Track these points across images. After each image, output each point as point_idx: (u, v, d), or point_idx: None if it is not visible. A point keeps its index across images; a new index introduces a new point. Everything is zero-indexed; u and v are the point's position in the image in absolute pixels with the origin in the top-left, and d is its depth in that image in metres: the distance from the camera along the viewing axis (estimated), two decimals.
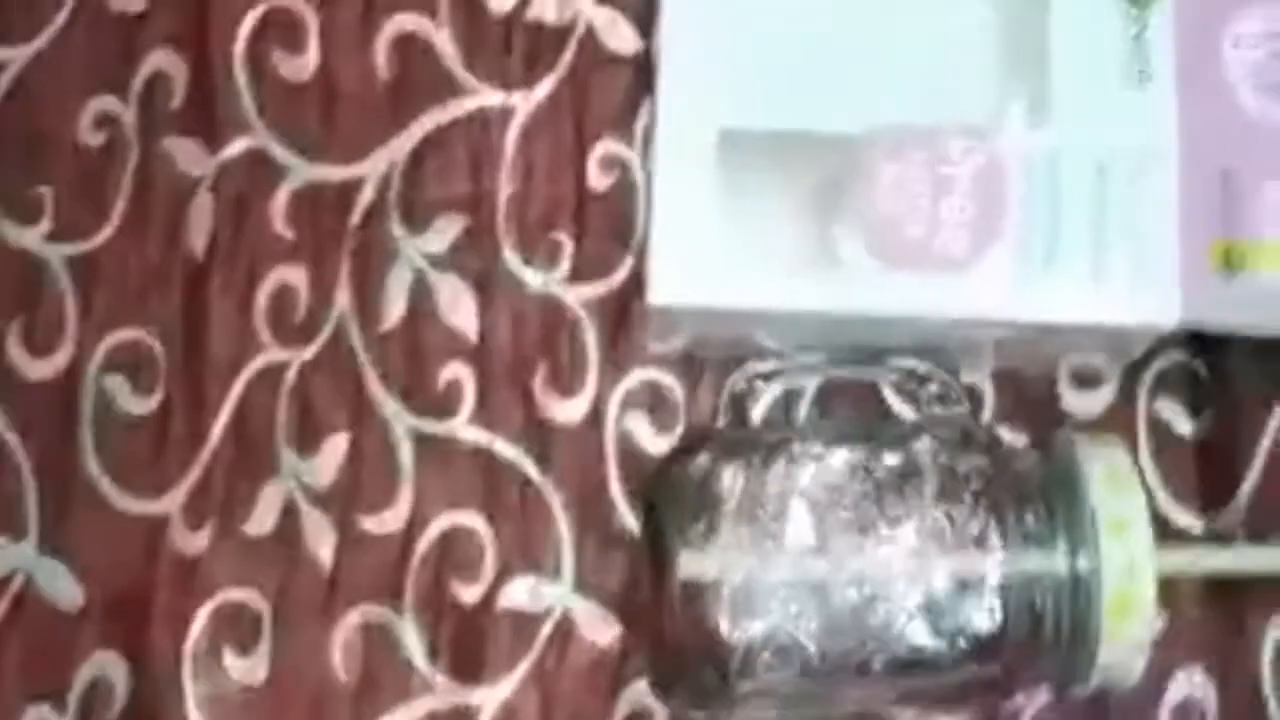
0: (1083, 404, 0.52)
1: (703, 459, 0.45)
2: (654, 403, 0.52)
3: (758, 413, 0.50)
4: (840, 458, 0.44)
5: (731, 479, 0.45)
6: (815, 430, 0.46)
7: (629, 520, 0.51)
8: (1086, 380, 0.52)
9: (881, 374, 0.49)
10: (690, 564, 0.44)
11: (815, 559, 0.44)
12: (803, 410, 0.51)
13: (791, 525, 0.44)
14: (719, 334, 0.49)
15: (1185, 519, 0.50)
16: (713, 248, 0.47)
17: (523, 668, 0.51)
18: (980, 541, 0.44)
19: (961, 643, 0.44)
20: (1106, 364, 0.51)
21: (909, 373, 0.48)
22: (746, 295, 0.46)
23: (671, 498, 0.45)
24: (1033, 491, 0.45)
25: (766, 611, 0.43)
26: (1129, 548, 0.44)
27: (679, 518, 0.45)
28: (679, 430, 0.52)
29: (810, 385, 0.51)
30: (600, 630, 0.51)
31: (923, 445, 0.45)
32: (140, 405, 0.53)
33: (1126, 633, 0.44)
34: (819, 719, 0.47)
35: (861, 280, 0.46)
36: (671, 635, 0.45)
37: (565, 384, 0.53)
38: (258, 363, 0.53)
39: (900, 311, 0.46)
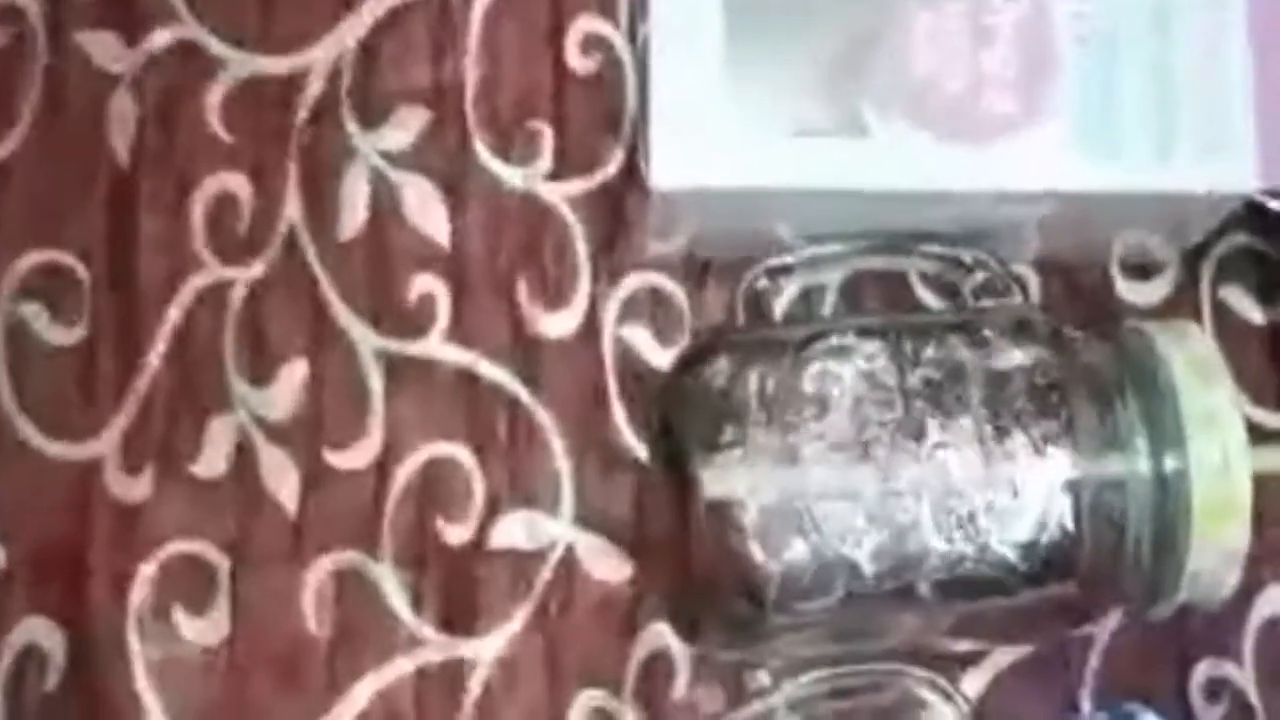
0: (1139, 294, 0.46)
1: (722, 363, 0.39)
2: (656, 311, 0.46)
3: (778, 313, 0.44)
4: (883, 354, 0.38)
5: (758, 383, 0.38)
6: (851, 324, 0.40)
7: (634, 443, 0.45)
8: (1142, 268, 0.46)
9: (920, 263, 0.43)
10: (716, 482, 0.38)
11: (860, 468, 0.38)
12: (827, 309, 0.45)
13: (831, 431, 0.38)
14: (729, 226, 0.43)
15: (1259, 415, 0.45)
16: (722, 121, 0.40)
17: (522, 614, 0.44)
18: (1048, 444, 0.38)
19: (1030, 558, 0.38)
20: (1163, 249, 0.46)
21: (951, 260, 0.42)
22: (762, 174, 0.40)
23: (689, 409, 0.39)
24: (1105, 386, 0.39)
25: (805, 530, 0.37)
26: (1221, 442, 0.38)
27: (700, 431, 0.39)
28: (685, 341, 0.46)
29: (835, 280, 0.45)
30: (608, 568, 0.44)
31: (977, 338, 0.39)
32: (63, 335, 0.46)
33: (1221, 536, 0.38)
34: (862, 654, 0.41)
35: (895, 151, 0.40)
36: (697, 566, 0.39)
37: (553, 294, 0.46)
38: (197, 282, 0.46)
39: (941, 185, 0.40)
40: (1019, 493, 0.38)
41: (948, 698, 0.39)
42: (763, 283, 0.42)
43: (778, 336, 0.40)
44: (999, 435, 0.38)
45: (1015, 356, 0.39)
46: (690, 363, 0.40)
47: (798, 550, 0.38)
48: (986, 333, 0.39)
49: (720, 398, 0.39)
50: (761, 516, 0.38)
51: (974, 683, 0.43)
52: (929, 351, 0.39)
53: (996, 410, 0.38)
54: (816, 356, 0.38)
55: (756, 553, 0.38)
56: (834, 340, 0.38)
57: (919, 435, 0.38)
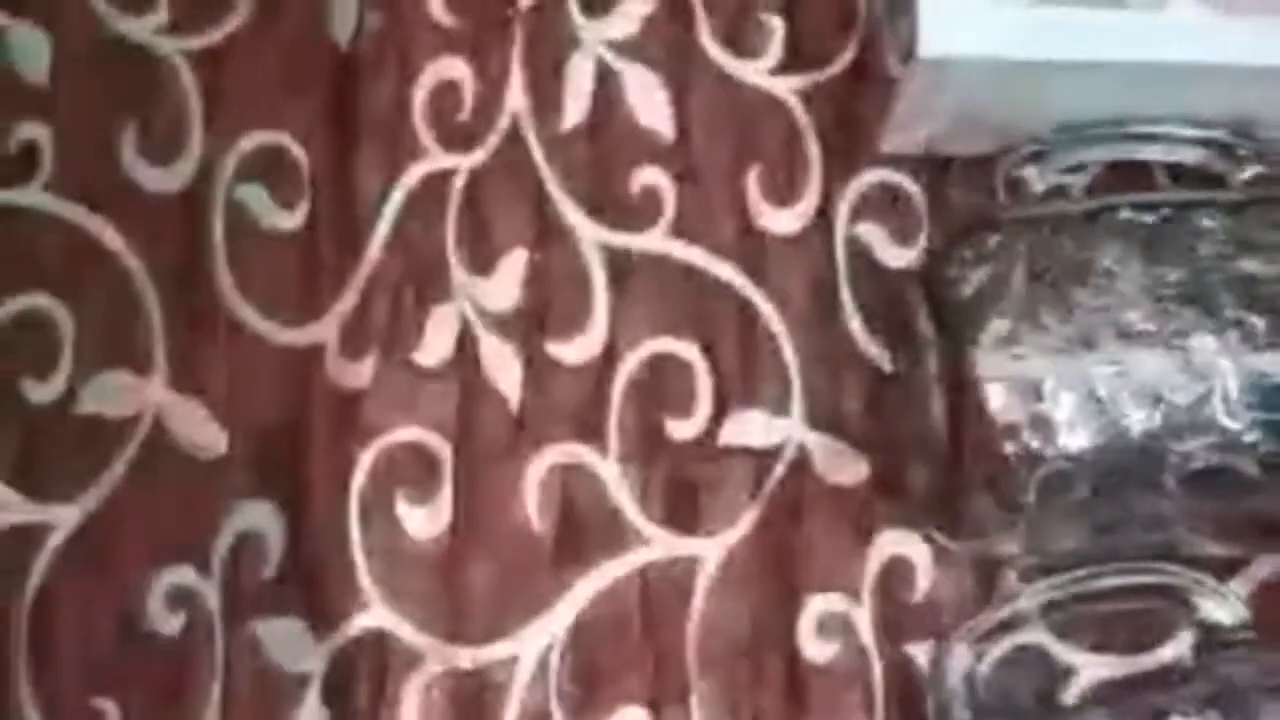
0: None
1: (995, 241, 0.38)
2: (891, 208, 0.45)
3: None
4: (1173, 228, 0.37)
5: (1036, 259, 0.37)
6: (1136, 200, 0.38)
7: (866, 342, 0.44)
8: None
9: (1182, 151, 0.41)
10: (991, 363, 0.36)
11: (1150, 346, 0.36)
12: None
13: (1118, 306, 0.36)
14: (979, 112, 0.41)
15: None
16: None
17: (751, 514, 0.43)
18: None
19: None
20: None
21: (1223, 148, 0.40)
22: (1028, 44, 0.38)
23: (959, 288, 0.38)
24: None
25: (1088, 412, 0.36)
26: None
27: (972, 311, 0.37)
28: (922, 240, 0.44)
29: (1081, 180, 0.43)
30: (841, 468, 0.43)
31: (1268, 221, 0.37)
32: (284, 219, 0.44)
33: None
34: (1120, 552, 0.39)
35: (1165, 22, 0.39)
36: (963, 454, 0.37)
37: (782, 189, 0.45)
38: (419, 169, 0.45)
39: (1213, 58, 0.38)
40: None
41: (1221, 598, 0.38)
42: (1022, 170, 0.40)
43: (1055, 212, 0.38)
44: None
45: None
46: (958, 242, 0.39)
47: (1077, 432, 0.36)
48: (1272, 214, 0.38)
49: (994, 276, 0.37)
50: (1039, 397, 0.36)
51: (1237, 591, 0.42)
52: (1217, 227, 0.37)
53: None
54: (1103, 231, 0.37)
55: (1032, 434, 0.36)
56: (1122, 215, 0.37)
57: (1212, 311, 0.36)
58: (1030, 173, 0.40)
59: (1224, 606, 0.38)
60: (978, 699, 0.38)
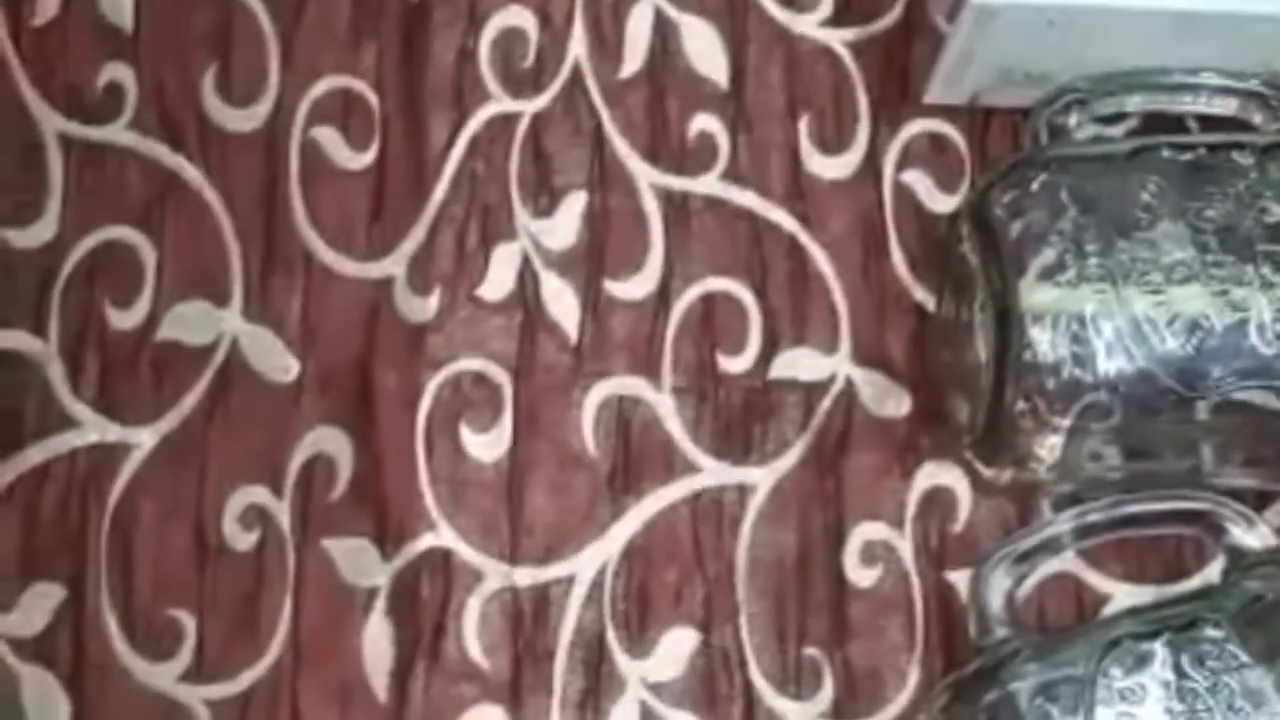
0: None
1: (1041, 178, 0.39)
2: (936, 156, 0.46)
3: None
4: (1216, 165, 0.38)
5: (1082, 195, 0.38)
6: (1180, 141, 0.39)
7: (911, 283, 0.46)
8: None
9: (1215, 101, 0.42)
10: (1038, 295, 0.38)
11: (1192, 279, 0.38)
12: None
13: (1162, 239, 0.38)
14: (1026, 63, 0.43)
15: None
16: None
17: (800, 445, 0.45)
18: None
19: None
20: None
21: (1257, 99, 0.41)
22: None
23: (1006, 225, 0.39)
24: None
25: (1128, 339, 0.37)
26: None
27: (1018, 247, 0.39)
28: (964, 187, 0.46)
29: (1119, 130, 0.45)
30: (887, 403, 0.45)
31: None
32: (355, 160, 0.47)
33: None
34: (1154, 480, 0.41)
35: None
36: (1011, 388, 0.39)
37: (832, 137, 0.47)
38: (484, 113, 0.47)
39: (1262, 7, 0.40)
40: None
41: (1250, 524, 0.39)
42: (1064, 117, 0.42)
43: (1097, 151, 0.40)
44: None
45: None
46: (1004, 182, 0.40)
47: (1115, 358, 0.38)
48: None
49: (1038, 214, 0.39)
50: (1082, 327, 0.38)
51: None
52: (1251, 165, 0.39)
53: None
54: (1143, 168, 0.38)
55: (1073, 364, 0.38)
56: (1165, 153, 0.38)
57: (1247, 243, 0.37)
58: (1071, 119, 0.42)
59: (1253, 533, 0.39)
60: (1016, 619, 0.40)
